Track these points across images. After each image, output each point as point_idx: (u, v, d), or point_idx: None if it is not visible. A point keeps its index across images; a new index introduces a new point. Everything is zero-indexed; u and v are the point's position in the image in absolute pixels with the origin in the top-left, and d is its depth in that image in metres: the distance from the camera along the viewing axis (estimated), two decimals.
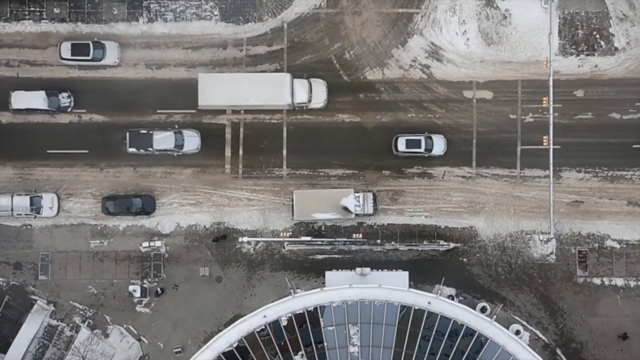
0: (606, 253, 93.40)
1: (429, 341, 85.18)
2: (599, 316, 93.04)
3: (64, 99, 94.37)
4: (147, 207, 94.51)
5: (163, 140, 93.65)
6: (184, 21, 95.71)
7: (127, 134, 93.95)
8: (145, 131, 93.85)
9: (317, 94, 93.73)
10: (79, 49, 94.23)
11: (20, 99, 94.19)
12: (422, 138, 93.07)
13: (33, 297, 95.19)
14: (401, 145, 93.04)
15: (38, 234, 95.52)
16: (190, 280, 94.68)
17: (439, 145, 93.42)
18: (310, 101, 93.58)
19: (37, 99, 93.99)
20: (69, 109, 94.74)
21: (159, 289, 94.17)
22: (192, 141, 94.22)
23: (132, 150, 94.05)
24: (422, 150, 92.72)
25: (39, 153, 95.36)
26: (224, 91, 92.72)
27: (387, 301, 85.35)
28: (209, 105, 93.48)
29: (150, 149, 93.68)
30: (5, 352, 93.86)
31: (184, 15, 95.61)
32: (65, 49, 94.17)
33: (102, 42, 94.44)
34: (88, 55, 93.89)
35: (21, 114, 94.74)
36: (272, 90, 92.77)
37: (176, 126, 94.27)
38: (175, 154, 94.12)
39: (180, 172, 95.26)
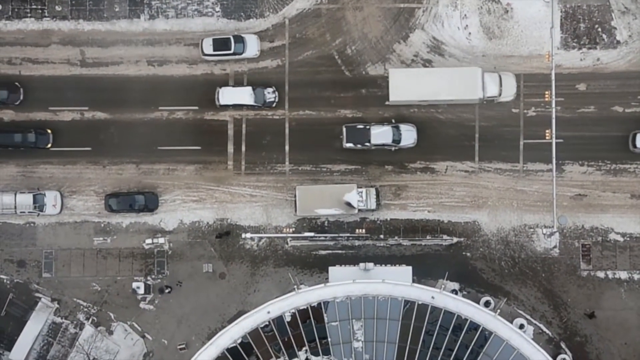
0: (610, 246, 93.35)
1: (432, 336, 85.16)
2: (604, 309, 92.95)
3: (269, 94, 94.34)
4: (150, 204, 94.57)
5: (381, 134, 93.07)
6: (185, 18, 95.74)
7: (344, 129, 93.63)
8: (362, 126, 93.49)
9: (506, 87, 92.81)
10: (220, 44, 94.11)
11: (227, 95, 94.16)
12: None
13: (37, 294, 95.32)
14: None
15: (41, 231, 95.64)
16: (193, 277, 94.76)
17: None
18: (500, 94, 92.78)
19: (243, 95, 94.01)
20: (274, 104, 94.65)
21: (165, 287, 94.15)
22: (409, 135, 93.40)
23: (349, 145, 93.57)
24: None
25: (42, 151, 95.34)
26: (415, 86, 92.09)
27: (390, 296, 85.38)
28: (399, 101, 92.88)
29: (367, 143, 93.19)
30: (10, 349, 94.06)
31: (185, 12, 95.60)
32: (207, 45, 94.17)
33: (242, 35, 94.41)
34: (230, 49, 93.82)
35: (226, 110, 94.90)
36: (463, 85, 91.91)
37: (393, 120, 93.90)
38: (393, 148, 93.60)
39: (182, 168, 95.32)
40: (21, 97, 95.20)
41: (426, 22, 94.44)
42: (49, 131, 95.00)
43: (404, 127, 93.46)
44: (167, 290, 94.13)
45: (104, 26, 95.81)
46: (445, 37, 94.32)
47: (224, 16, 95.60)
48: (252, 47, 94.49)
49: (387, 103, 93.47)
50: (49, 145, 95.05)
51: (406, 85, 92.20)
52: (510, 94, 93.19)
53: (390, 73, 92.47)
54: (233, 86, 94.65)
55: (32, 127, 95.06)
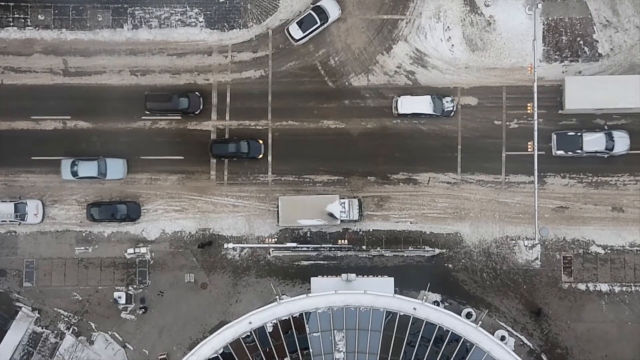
0: (591, 259, 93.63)
1: (414, 347, 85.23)
2: (584, 322, 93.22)
3: (448, 103, 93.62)
4: (132, 213, 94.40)
5: (594, 142, 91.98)
6: (168, 28, 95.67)
7: (554, 136, 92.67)
8: (573, 133, 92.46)
9: None
10: (305, 24, 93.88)
11: (407, 104, 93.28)
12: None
13: (17, 304, 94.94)
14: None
15: (23, 240, 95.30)
16: (175, 287, 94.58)
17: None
18: None
19: (423, 104, 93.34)
20: (452, 114, 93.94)
21: (140, 308, 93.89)
22: (622, 142, 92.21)
23: (559, 152, 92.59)
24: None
25: (24, 159, 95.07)
26: (592, 94, 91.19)
27: (372, 307, 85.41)
28: (575, 109, 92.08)
29: (579, 151, 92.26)
30: None
31: (168, 22, 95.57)
32: (295, 30, 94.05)
33: (321, 6, 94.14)
34: (315, 24, 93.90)
35: (406, 119, 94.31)
36: None
37: (606, 127, 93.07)
38: (605, 155, 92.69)
39: (165, 178, 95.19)
40: None
41: (409, 33, 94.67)
42: (261, 142, 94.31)
43: (617, 134, 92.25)
44: (141, 311, 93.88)
45: (87, 36, 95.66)
46: (428, 48, 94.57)
47: (208, 26, 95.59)
48: (333, 11, 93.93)
49: (560, 112, 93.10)
50: (261, 156, 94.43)
51: (583, 94, 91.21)
52: None
53: (567, 81, 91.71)
54: (411, 94, 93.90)
55: (246, 137, 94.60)
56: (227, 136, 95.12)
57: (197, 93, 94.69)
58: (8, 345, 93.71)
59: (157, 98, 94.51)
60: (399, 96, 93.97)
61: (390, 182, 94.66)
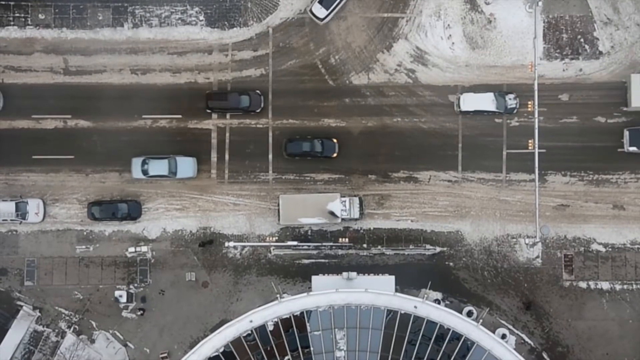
0: (592, 257, 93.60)
1: (415, 345, 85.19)
2: (585, 320, 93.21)
3: (511, 100, 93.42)
4: (133, 212, 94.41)
5: None
6: (169, 27, 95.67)
7: (627, 132, 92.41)
8: None
9: None
10: (326, 1, 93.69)
11: (470, 101, 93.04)
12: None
13: (19, 303, 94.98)
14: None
15: (24, 239, 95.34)
16: (176, 286, 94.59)
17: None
18: None
19: (486, 101, 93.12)
20: (515, 111, 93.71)
21: (138, 310, 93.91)
22: None
23: (632, 149, 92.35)
24: None
25: (24, 159, 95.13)
26: None
27: (373, 305, 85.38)
28: None
29: None
30: None
31: (169, 21, 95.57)
32: (318, 9, 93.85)
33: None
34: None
35: (468, 115, 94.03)
36: None
37: None
38: None
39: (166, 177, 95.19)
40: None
41: (410, 31, 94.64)
42: (335, 141, 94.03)
43: None
44: (139, 313, 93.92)
45: (88, 34, 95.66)
46: (429, 47, 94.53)
47: (208, 25, 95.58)
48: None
49: (625, 109, 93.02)
50: (335, 155, 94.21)
51: None
52: None
53: (632, 78, 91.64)
54: (474, 92, 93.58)
55: (320, 136, 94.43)
56: (298, 136, 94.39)
57: (257, 91, 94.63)
58: (9, 344, 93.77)
59: (218, 97, 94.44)
60: (462, 93, 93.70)
61: (391, 181, 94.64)
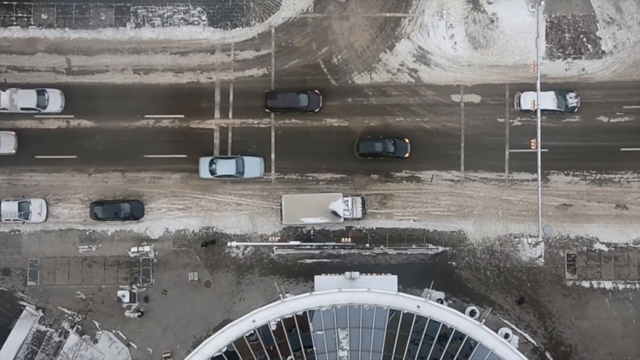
0: (595, 256, 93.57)
1: (418, 345, 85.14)
2: (588, 319, 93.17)
3: (572, 99, 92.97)
4: (136, 212, 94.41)
5: None
6: (171, 26, 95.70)
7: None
8: None
9: None
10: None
11: (530, 100, 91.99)
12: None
13: (22, 302, 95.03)
14: None
15: (26, 239, 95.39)
16: (179, 285, 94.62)
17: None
18: None
19: (546, 99, 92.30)
20: (576, 110, 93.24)
21: (137, 310, 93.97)
22: None
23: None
24: None
25: (27, 158, 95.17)
26: None
27: (376, 305, 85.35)
28: None
29: None
30: None
31: (171, 21, 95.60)
32: None
33: None
34: None
35: (525, 115, 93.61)
36: None
37: None
38: None
39: (168, 177, 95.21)
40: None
41: (412, 31, 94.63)
42: (407, 141, 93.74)
43: None
44: (137, 314, 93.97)
45: (90, 34, 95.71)
46: (431, 46, 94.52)
47: (210, 25, 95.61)
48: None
49: None
50: (407, 155, 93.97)
51: None
52: None
53: None
54: (533, 90, 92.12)
55: (392, 136, 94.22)
56: (370, 136, 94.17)
57: (316, 91, 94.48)
58: (12, 343, 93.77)
59: (277, 96, 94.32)
60: (522, 92, 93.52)
61: (394, 180, 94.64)
